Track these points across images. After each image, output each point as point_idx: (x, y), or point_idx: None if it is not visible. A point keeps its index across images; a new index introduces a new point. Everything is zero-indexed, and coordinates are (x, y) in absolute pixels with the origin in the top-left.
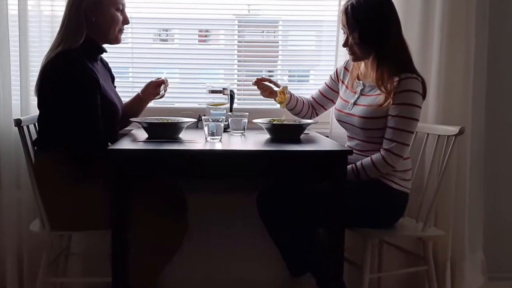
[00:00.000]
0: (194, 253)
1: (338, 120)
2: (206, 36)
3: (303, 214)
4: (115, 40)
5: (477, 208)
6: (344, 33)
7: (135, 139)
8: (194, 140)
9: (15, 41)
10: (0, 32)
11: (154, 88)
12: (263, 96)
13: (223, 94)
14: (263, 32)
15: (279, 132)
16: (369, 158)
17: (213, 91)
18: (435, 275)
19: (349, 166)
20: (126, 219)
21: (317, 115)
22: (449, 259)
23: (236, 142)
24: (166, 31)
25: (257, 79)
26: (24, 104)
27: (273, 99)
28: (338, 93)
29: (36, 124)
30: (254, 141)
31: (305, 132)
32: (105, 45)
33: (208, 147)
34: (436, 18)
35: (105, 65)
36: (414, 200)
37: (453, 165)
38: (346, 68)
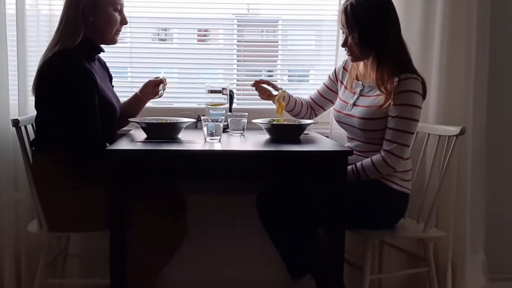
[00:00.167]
0: (193, 254)
1: (338, 121)
2: (205, 35)
3: (302, 215)
4: (112, 41)
5: (478, 208)
6: (343, 33)
7: (134, 139)
8: (193, 141)
9: (12, 41)
10: None
11: (153, 88)
12: (261, 98)
13: (223, 94)
14: (262, 32)
15: (278, 132)
16: (369, 159)
17: (212, 91)
18: (436, 276)
19: (349, 167)
20: (125, 220)
21: (316, 115)
22: (450, 260)
23: (235, 142)
24: (165, 30)
25: (256, 81)
26: (22, 104)
27: (271, 101)
28: (337, 93)
29: (34, 124)
30: (254, 141)
31: (305, 132)
32: (102, 45)
33: (207, 147)
34: (437, 18)
35: (103, 64)
36: (415, 201)
37: (454, 165)
38: (345, 68)
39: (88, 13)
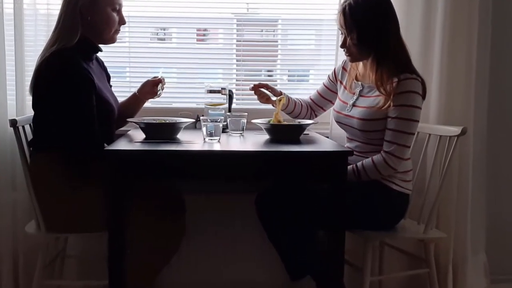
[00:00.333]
0: (192, 254)
1: (337, 122)
2: (204, 35)
3: (302, 216)
4: (110, 40)
5: (480, 209)
6: (342, 33)
7: (132, 139)
8: (192, 141)
9: (10, 40)
10: None
11: (151, 87)
12: (260, 102)
13: (222, 94)
14: (262, 31)
15: (278, 132)
16: (370, 159)
17: (211, 91)
18: (437, 277)
19: (349, 167)
20: (123, 220)
21: (316, 116)
22: (451, 261)
23: (234, 142)
24: (164, 30)
25: (254, 85)
26: (20, 104)
27: (271, 105)
28: (337, 93)
29: (32, 124)
30: (253, 141)
31: (304, 132)
32: (100, 45)
33: (206, 147)
34: (438, 17)
35: (101, 64)
36: (415, 202)
37: (455, 166)
38: (344, 68)
39: (86, 13)
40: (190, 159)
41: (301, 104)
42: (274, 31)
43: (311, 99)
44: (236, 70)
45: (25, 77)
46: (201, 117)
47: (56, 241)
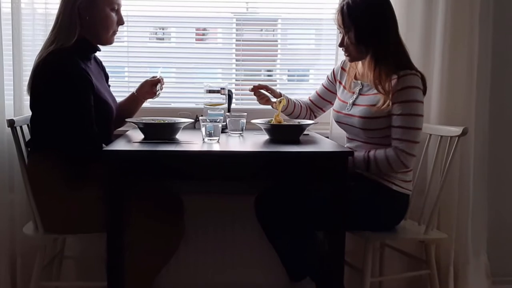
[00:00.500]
0: (191, 256)
1: (337, 122)
2: (203, 34)
3: (302, 217)
4: (108, 42)
5: (481, 210)
6: (340, 33)
7: (131, 140)
8: (191, 141)
9: (8, 40)
10: None
11: (150, 87)
12: (260, 103)
13: (221, 94)
14: (261, 31)
15: (278, 132)
16: (382, 151)
17: (210, 91)
18: (438, 279)
19: (359, 154)
20: (122, 221)
21: (315, 117)
22: (452, 262)
23: (234, 143)
24: (163, 29)
25: (254, 86)
26: (18, 104)
27: (270, 106)
28: (336, 94)
29: (29, 124)
30: (253, 142)
31: (304, 133)
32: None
33: (205, 148)
34: (438, 18)
35: (99, 64)
36: (416, 203)
37: (456, 166)
38: (343, 68)
39: (84, 12)
40: (189, 159)
41: (301, 106)
42: (273, 31)
43: (310, 100)
44: (236, 70)
45: (23, 77)
46: (200, 117)
47: (54, 242)
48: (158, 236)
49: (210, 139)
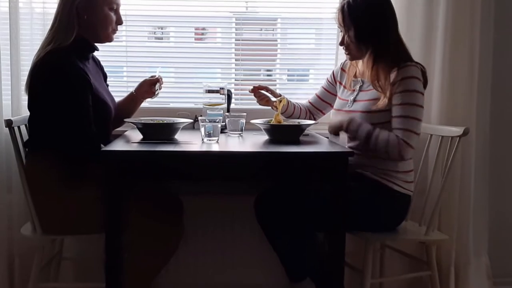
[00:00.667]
0: (190, 257)
1: None
2: (202, 34)
3: (302, 217)
4: (107, 39)
5: (482, 211)
6: (341, 31)
7: (130, 140)
8: (190, 141)
9: (5, 39)
10: None
11: (149, 87)
12: (259, 104)
13: (220, 94)
14: (261, 30)
15: (277, 133)
16: (387, 132)
17: (209, 91)
18: (439, 280)
19: (367, 125)
20: (120, 222)
21: (315, 119)
22: (453, 263)
23: (233, 143)
24: (162, 29)
25: (254, 87)
26: (15, 104)
27: (270, 107)
28: (336, 95)
29: (27, 124)
30: (252, 142)
31: (304, 133)
32: (97, 43)
33: (204, 148)
34: (439, 17)
35: (97, 63)
36: (417, 203)
37: (457, 167)
38: (342, 69)
39: (83, 12)
40: (188, 160)
41: (300, 108)
42: (273, 30)
43: (310, 102)
44: (235, 70)
45: (21, 77)
46: (199, 118)
47: (52, 243)
48: (157, 237)
49: (209, 140)
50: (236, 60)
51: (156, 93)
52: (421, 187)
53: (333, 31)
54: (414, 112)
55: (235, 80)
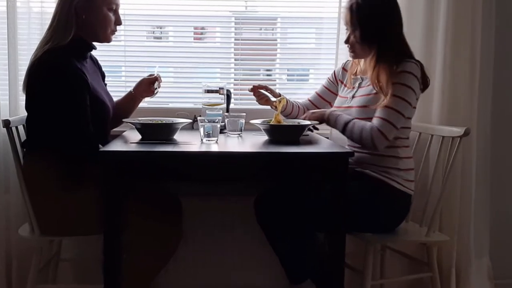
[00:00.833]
0: (189, 258)
1: None
2: (201, 33)
3: (302, 218)
4: (106, 40)
5: (483, 212)
6: (347, 29)
7: (128, 140)
8: (189, 142)
9: (3, 39)
10: None
11: (148, 86)
12: (259, 103)
13: (220, 94)
14: (261, 29)
15: (277, 133)
16: (364, 122)
17: (209, 91)
18: (440, 281)
19: (345, 117)
20: (119, 223)
21: None
22: (454, 265)
23: (232, 143)
24: (160, 28)
25: (254, 86)
26: (13, 104)
27: (269, 106)
28: (337, 94)
29: (25, 124)
30: (252, 142)
31: (304, 133)
32: (95, 42)
33: (203, 148)
34: (440, 16)
35: (95, 62)
36: (417, 204)
37: (458, 167)
38: (344, 69)
39: (81, 12)
40: (187, 160)
41: (299, 107)
42: (273, 30)
43: (309, 100)
44: (234, 70)
45: (19, 77)
46: (199, 118)
47: (50, 244)
48: (156, 238)
49: (209, 140)
50: (235, 59)
51: (155, 92)
52: (422, 187)
53: (333, 31)
54: (399, 105)
55: (235, 80)
